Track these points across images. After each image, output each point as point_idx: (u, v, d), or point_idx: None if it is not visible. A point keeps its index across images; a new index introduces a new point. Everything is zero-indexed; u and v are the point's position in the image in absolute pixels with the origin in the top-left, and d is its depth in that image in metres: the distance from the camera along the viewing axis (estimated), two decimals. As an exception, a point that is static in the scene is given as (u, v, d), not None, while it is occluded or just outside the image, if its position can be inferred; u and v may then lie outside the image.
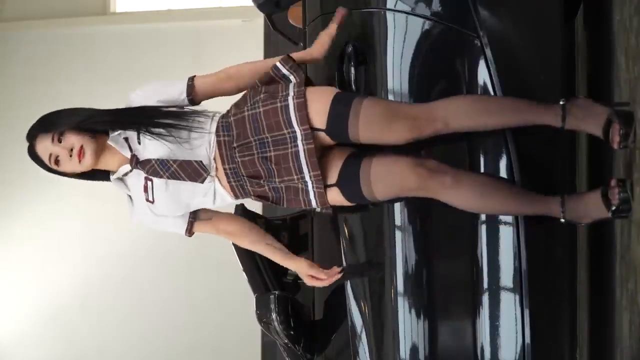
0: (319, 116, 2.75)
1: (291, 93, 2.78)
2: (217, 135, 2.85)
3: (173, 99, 2.94)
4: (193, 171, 2.83)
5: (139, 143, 2.87)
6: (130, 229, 9.30)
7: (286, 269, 3.43)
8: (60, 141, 2.85)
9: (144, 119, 2.87)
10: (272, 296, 3.10)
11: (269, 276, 3.37)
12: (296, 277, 3.43)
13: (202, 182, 2.84)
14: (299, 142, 2.75)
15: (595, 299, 3.20)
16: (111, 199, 8.38)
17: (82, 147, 2.85)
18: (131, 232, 9.36)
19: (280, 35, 4.75)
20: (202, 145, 2.85)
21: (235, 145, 2.81)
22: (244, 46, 9.30)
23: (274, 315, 3.07)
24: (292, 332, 3.09)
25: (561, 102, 2.62)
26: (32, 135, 2.90)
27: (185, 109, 2.91)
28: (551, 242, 2.92)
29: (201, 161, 2.84)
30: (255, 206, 3.44)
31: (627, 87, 2.81)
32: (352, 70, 2.95)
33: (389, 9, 2.92)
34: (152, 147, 2.86)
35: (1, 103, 10.05)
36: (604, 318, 3.12)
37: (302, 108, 2.74)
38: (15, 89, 10.02)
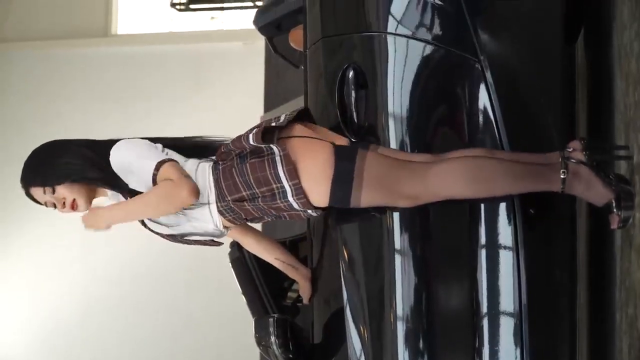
0: (321, 200, 2.74)
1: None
2: (224, 217, 2.85)
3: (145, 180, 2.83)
4: (206, 244, 2.98)
5: None
6: (129, 248, 9.31)
7: (285, 292, 3.43)
8: (53, 192, 2.91)
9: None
10: (271, 319, 3.09)
11: (267, 299, 3.36)
12: (295, 300, 3.42)
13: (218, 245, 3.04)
14: (290, 198, 2.74)
15: (595, 323, 3.19)
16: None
17: (74, 200, 2.93)
18: (130, 251, 9.37)
19: (280, 58, 4.76)
20: (208, 223, 2.87)
21: (229, 198, 2.80)
22: (245, 69, 9.36)
23: (272, 339, 3.06)
24: (290, 356, 3.08)
25: (562, 176, 2.62)
26: (25, 184, 2.95)
27: None
28: (551, 266, 2.91)
29: (212, 239, 2.95)
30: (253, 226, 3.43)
31: (627, 112, 2.81)
32: (353, 93, 2.96)
33: (390, 33, 2.93)
34: (150, 221, 2.91)
35: (1, 122, 10.07)
36: (603, 342, 3.10)
37: (290, 162, 2.71)
38: (16, 109, 10.06)
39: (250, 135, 2.77)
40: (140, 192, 2.82)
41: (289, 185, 2.71)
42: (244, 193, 2.76)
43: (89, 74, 10.07)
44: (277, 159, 2.71)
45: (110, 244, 9.52)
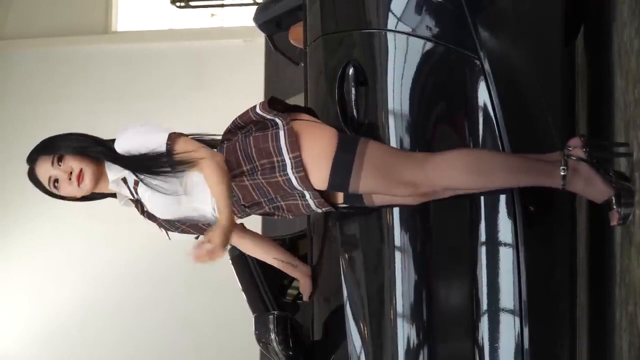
0: (320, 181, 2.74)
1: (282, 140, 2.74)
2: None
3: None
4: (202, 230, 2.92)
5: (137, 191, 2.87)
6: (129, 248, 9.31)
7: (285, 290, 3.43)
8: (60, 164, 2.86)
9: (141, 166, 2.82)
10: (271, 316, 3.09)
11: (268, 296, 3.37)
12: (295, 297, 3.42)
13: None
14: (289, 171, 2.73)
15: (594, 321, 3.19)
16: (110, 221, 8.43)
17: (81, 170, 2.85)
18: (130, 251, 9.36)
19: (281, 56, 4.77)
20: (206, 205, 2.86)
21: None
22: (245, 66, 9.35)
23: (272, 335, 3.06)
24: (290, 353, 3.08)
25: (562, 172, 2.62)
26: (33, 158, 2.91)
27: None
28: (551, 264, 2.91)
29: (208, 224, 2.90)
30: (254, 226, 3.44)
31: (627, 109, 2.81)
32: (353, 90, 2.96)
33: (390, 30, 2.93)
34: (150, 203, 2.88)
35: (1, 121, 10.06)
36: (603, 340, 3.11)
37: (293, 134, 2.72)
38: (16, 107, 10.05)
39: (258, 105, 2.80)
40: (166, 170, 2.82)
41: (289, 158, 2.71)
42: (244, 168, 2.77)
43: (89, 71, 10.07)
44: (281, 132, 2.73)
45: (110, 244, 9.52)
